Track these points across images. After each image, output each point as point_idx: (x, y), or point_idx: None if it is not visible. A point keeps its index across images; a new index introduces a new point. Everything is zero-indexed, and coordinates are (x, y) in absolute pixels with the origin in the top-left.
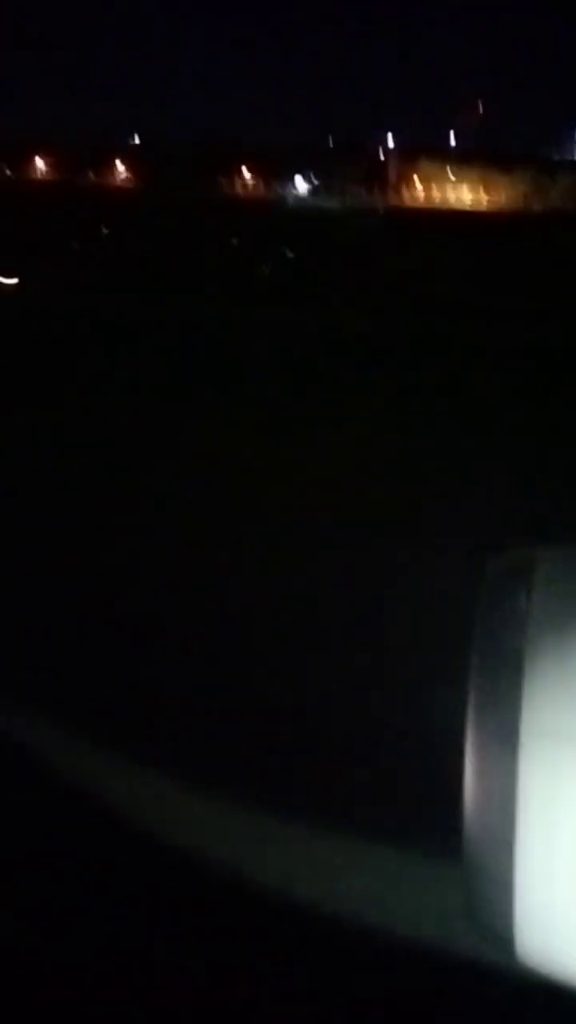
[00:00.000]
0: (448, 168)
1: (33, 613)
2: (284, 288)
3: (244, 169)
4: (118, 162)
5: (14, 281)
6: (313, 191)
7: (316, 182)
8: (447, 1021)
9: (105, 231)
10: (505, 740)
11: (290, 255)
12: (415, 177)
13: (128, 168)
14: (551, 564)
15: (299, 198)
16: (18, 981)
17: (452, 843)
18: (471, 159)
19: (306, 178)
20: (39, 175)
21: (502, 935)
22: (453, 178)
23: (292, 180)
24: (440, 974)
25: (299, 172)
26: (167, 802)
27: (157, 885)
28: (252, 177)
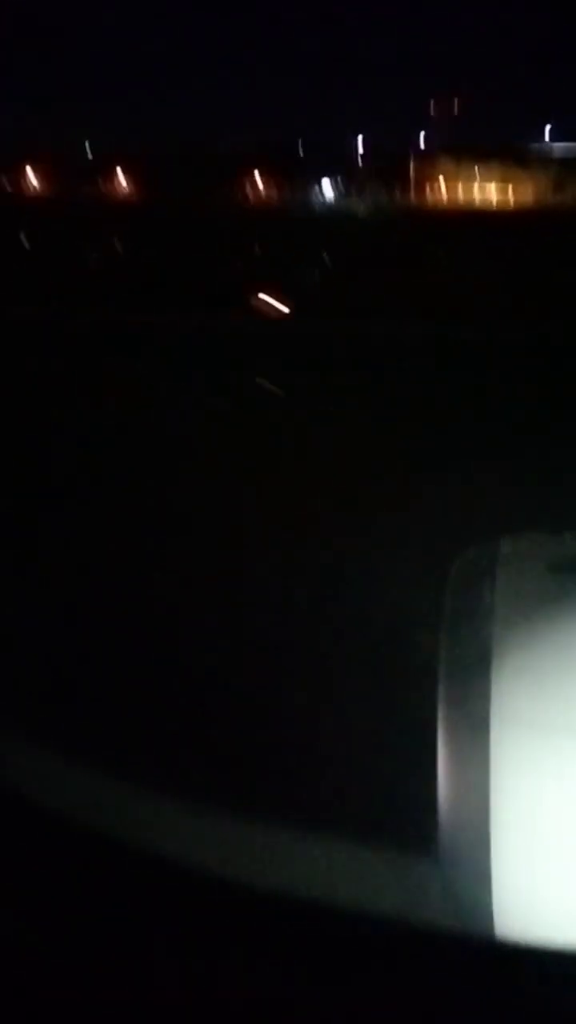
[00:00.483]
0: (475, 167)
1: (21, 625)
2: (327, 297)
3: (256, 173)
4: (119, 170)
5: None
6: (339, 195)
7: (342, 185)
8: (446, 1020)
9: (119, 247)
10: (476, 729)
11: (328, 262)
12: (440, 177)
13: (128, 176)
14: (515, 556)
15: (326, 202)
16: (18, 981)
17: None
18: (492, 157)
19: (333, 182)
20: (34, 186)
21: (481, 917)
22: (478, 177)
23: (318, 184)
24: (438, 973)
25: (326, 176)
26: (164, 805)
27: (156, 885)
28: (264, 181)
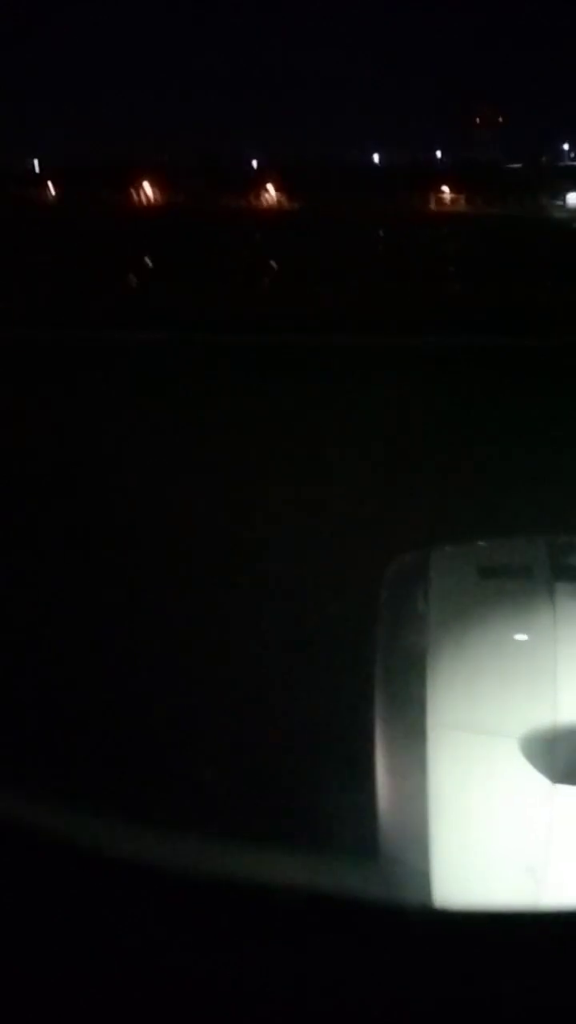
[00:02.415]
0: None
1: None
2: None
3: (444, 186)
4: (270, 186)
5: None
6: None
7: None
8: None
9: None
10: (412, 734)
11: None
12: None
13: (278, 189)
14: (445, 564)
15: (570, 210)
16: (18, 981)
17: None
18: None
19: None
20: (151, 199)
21: (424, 914)
22: None
23: (563, 195)
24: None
25: (573, 188)
26: (162, 814)
27: (157, 885)
28: (451, 193)
